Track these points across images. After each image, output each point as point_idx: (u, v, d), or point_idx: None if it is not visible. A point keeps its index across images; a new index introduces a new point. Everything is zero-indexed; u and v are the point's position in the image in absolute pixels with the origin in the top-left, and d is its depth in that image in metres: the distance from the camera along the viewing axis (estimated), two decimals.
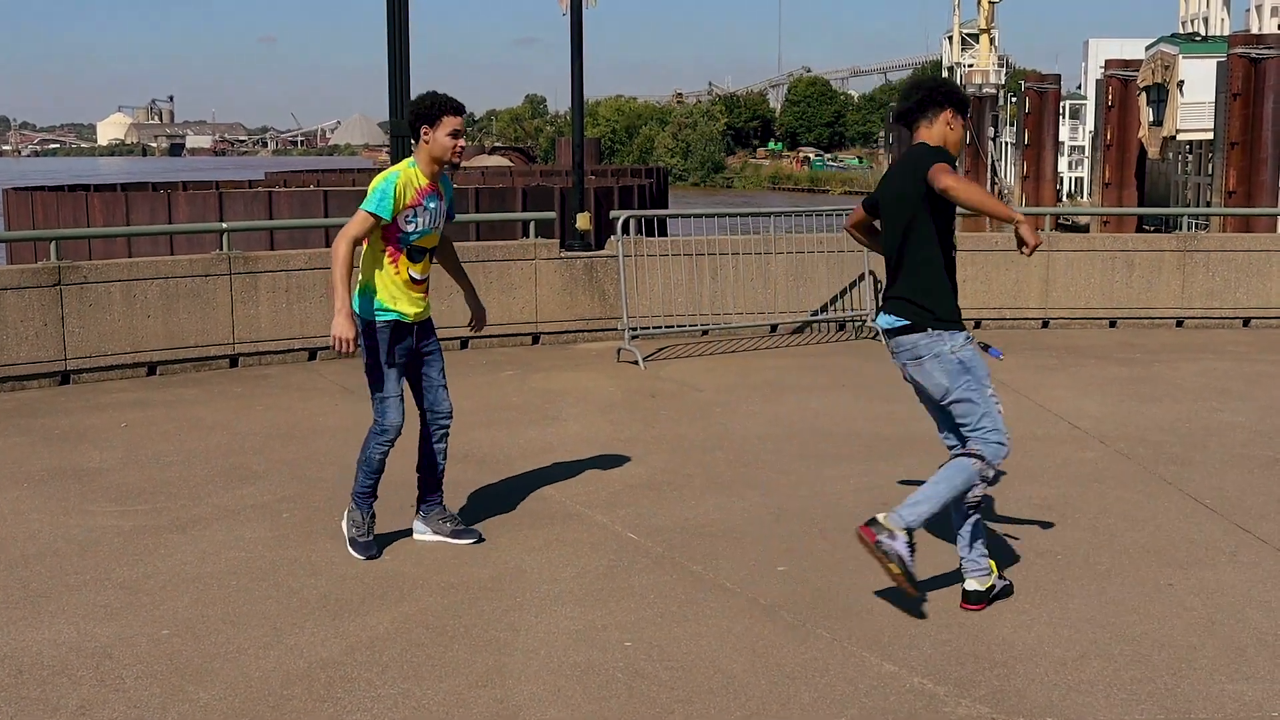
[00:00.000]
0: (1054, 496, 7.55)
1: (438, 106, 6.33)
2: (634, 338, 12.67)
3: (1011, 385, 11.03)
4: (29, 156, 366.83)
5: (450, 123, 6.33)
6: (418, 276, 6.48)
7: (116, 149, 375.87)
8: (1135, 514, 7.21)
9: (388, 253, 6.38)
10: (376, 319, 6.41)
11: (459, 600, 5.93)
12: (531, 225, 13.68)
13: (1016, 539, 6.76)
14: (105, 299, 11.63)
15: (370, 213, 6.24)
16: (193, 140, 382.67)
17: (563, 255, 13.56)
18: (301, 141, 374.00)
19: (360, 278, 6.46)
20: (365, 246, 6.39)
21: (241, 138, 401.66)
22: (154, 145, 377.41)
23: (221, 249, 12.38)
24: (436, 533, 6.81)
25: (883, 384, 11.18)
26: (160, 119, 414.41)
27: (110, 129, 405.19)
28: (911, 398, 10.46)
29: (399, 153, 15.38)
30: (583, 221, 13.69)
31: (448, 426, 6.78)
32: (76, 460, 8.70)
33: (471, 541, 6.75)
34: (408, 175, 6.35)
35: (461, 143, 6.40)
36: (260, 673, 5.15)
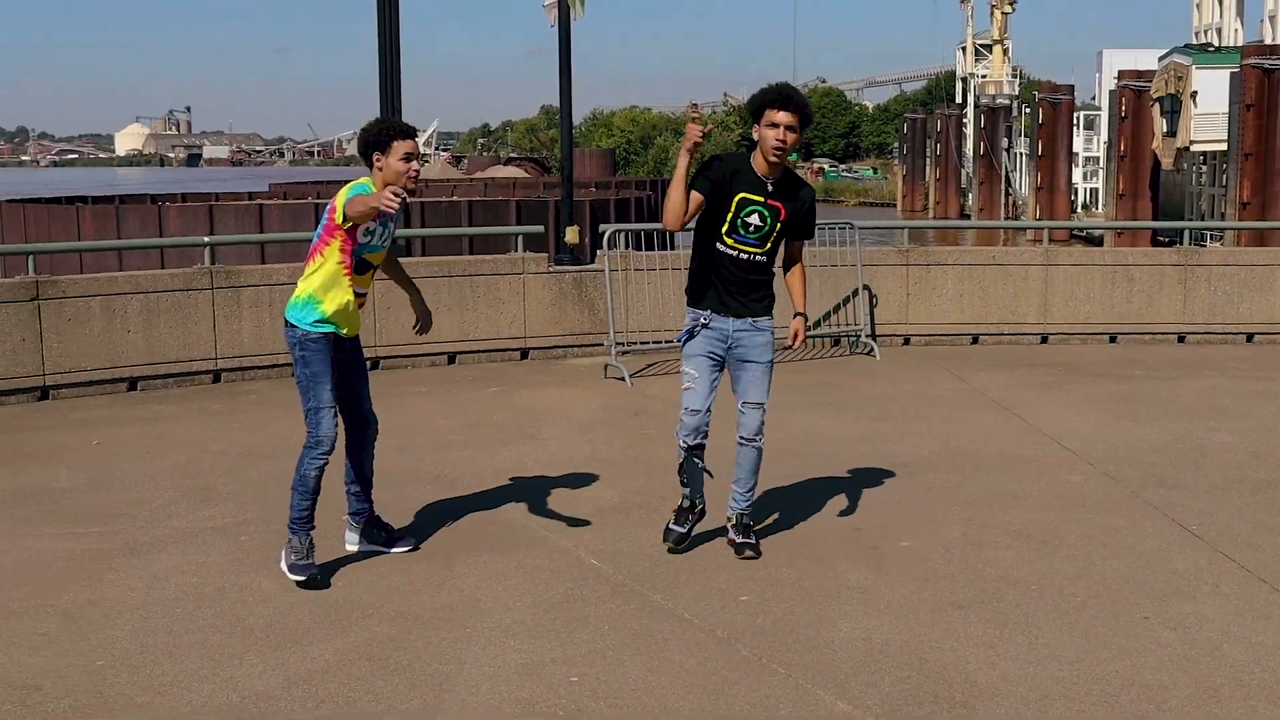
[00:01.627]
0: (1033, 522, 7.31)
1: (388, 132, 6.31)
2: (623, 354, 12.47)
3: (1005, 404, 10.81)
4: (47, 167, 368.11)
5: (401, 147, 6.28)
6: (361, 290, 6.49)
7: (134, 159, 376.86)
8: (1117, 541, 6.98)
9: (343, 264, 6.33)
10: (314, 330, 6.37)
11: (407, 630, 5.73)
12: (520, 239, 13.48)
13: (990, 567, 6.53)
14: (84, 314, 11.47)
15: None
16: (210, 150, 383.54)
17: (552, 270, 13.37)
18: (318, 152, 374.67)
19: (305, 288, 6.40)
20: (323, 258, 6.34)
21: (259, 148, 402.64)
22: (171, 156, 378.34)
23: (205, 263, 12.23)
24: (371, 541, 6.81)
25: (873, 402, 10.97)
26: (178, 129, 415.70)
27: (128, 139, 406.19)
28: (899, 414, 10.29)
29: None
30: (572, 235, 13.50)
31: (375, 435, 6.85)
32: (42, 480, 8.52)
33: (407, 549, 6.82)
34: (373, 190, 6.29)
35: (415, 166, 6.31)
36: (190, 707, 4.96)
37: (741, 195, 6.37)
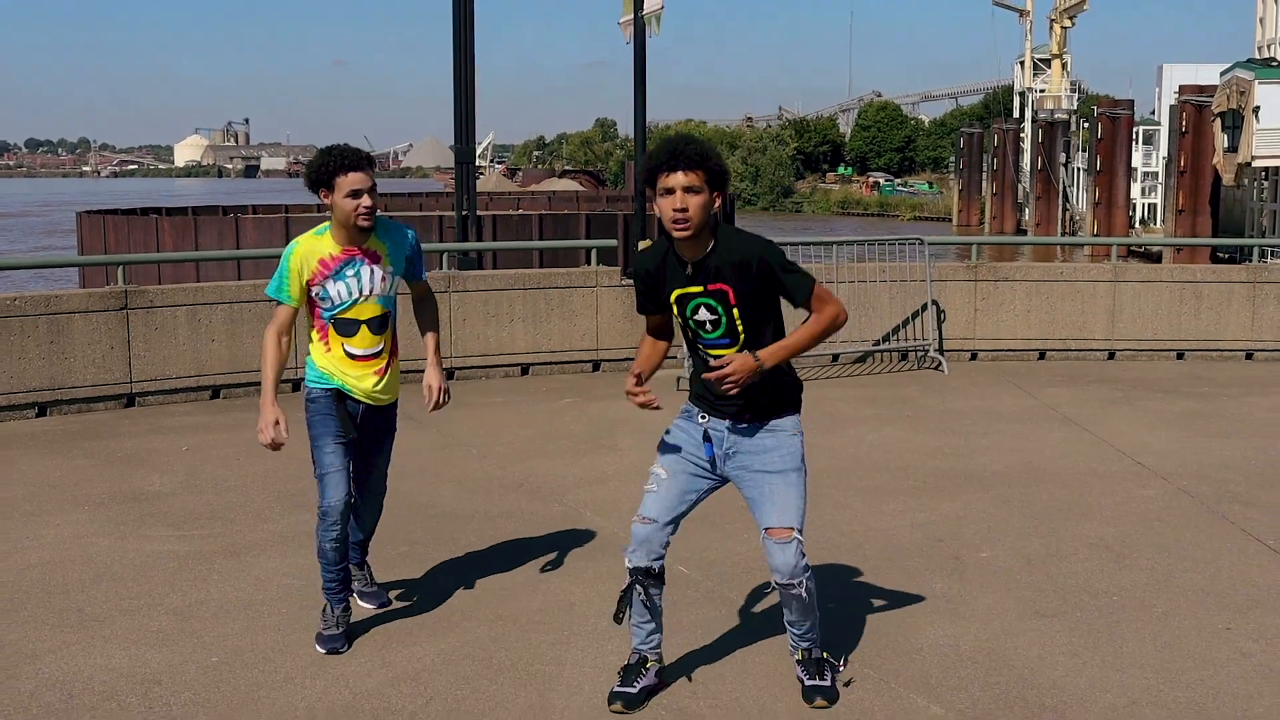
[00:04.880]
0: (1111, 535, 7.43)
1: (328, 167, 5.50)
2: None
3: (1075, 419, 10.91)
4: (108, 177, 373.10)
5: (345, 183, 5.47)
6: (356, 352, 5.75)
7: (193, 170, 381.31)
8: (1195, 554, 7.09)
9: (315, 328, 5.74)
10: (312, 386, 5.81)
11: (506, 633, 5.93)
12: (594, 253, 13.72)
13: (1070, 578, 6.65)
14: (170, 323, 11.78)
15: (273, 298, 5.67)
16: (267, 162, 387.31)
17: (624, 283, 13.57)
18: (374, 164, 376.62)
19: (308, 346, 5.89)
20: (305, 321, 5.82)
21: None
22: (229, 167, 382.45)
23: None
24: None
25: (943, 416, 11.09)
26: (236, 141, 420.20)
27: (187, 151, 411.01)
28: (971, 429, 10.42)
29: (464, 178, 15.50)
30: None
31: (371, 514, 6.20)
32: (137, 484, 8.80)
33: (374, 607, 6.14)
34: (308, 246, 5.61)
35: (366, 201, 5.49)
36: (305, 703, 5.17)
37: (677, 293, 4.85)
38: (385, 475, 6.19)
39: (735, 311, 4.81)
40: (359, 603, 6.22)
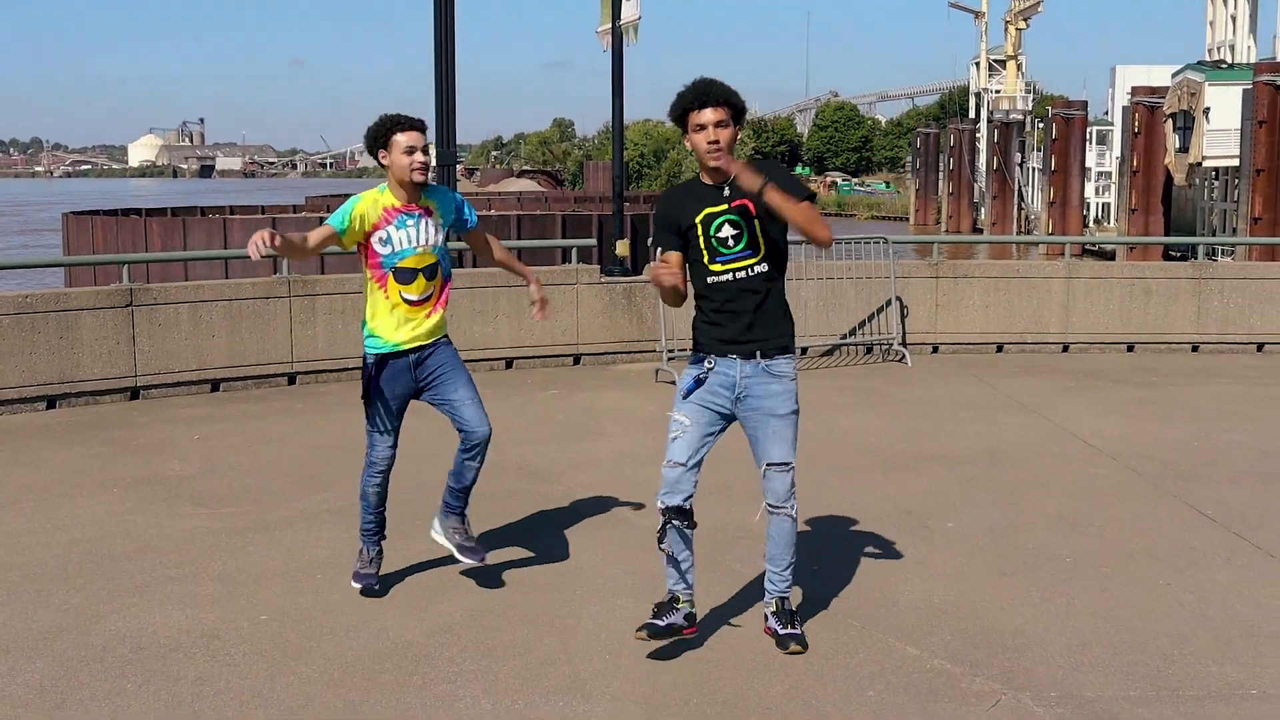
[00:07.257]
0: (1066, 508, 8.16)
1: (385, 127, 6.20)
2: (671, 359, 13.32)
3: (1031, 406, 11.65)
4: (61, 177, 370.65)
5: (402, 141, 6.16)
6: (412, 297, 6.34)
7: (147, 170, 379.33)
8: (1140, 524, 7.83)
9: (375, 279, 6.32)
10: (366, 352, 6.44)
11: (524, 593, 6.59)
12: (574, 252, 14.38)
13: (1028, 545, 7.37)
14: (173, 319, 12.35)
15: (328, 223, 6.24)
16: (223, 162, 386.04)
17: (603, 280, 14.24)
18: (331, 164, 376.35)
19: (365, 309, 6.48)
20: (364, 276, 6.40)
21: (271, 160, 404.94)
22: (184, 167, 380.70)
23: (280, 272, 13.11)
24: (446, 539, 6.68)
25: (908, 404, 11.81)
26: (191, 141, 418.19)
27: (141, 150, 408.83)
28: (934, 415, 11.14)
29: (446, 181, 16.07)
30: (622, 248, 14.37)
31: (481, 444, 6.55)
32: (158, 469, 9.39)
33: (476, 561, 6.60)
34: (372, 197, 6.27)
35: (420, 157, 6.18)
36: (354, 651, 5.81)
37: (704, 213, 5.57)
38: (484, 415, 6.54)
39: (756, 224, 5.55)
40: (460, 557, 6.60)
